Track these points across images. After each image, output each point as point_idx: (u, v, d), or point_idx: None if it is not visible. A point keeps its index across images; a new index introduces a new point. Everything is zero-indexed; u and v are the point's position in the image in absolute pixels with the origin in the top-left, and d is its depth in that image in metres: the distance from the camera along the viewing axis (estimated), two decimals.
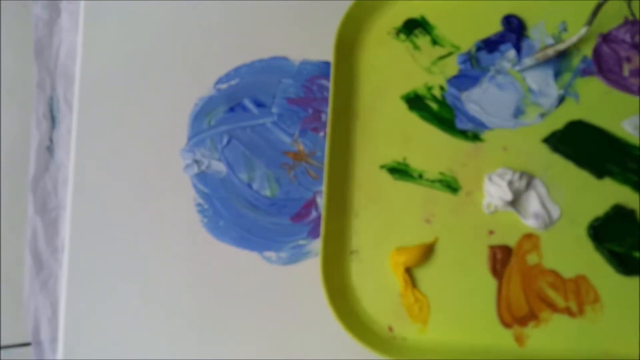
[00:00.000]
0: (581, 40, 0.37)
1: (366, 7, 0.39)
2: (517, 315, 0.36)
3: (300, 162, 0.42)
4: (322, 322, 0.39)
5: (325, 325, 0.39)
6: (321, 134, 0.42)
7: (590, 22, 0.35)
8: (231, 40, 0.44)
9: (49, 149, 0.56)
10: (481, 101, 0.38)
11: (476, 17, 0.39)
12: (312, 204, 0.41)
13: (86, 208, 0.42)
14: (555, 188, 0.37)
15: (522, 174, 0.37)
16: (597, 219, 0.36)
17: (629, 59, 0.37)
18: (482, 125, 0.38)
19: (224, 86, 0.43)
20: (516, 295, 0.36)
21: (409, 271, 0.37)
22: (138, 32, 0.45)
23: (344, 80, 0.39)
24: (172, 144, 0.43)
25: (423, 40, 0.39)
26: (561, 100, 0.38)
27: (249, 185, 0.42)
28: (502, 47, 0.39)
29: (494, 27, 0.39)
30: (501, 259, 0.36)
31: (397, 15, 0.40)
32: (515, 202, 0.37)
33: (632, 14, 0.36)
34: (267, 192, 0.42)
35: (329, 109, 0.38)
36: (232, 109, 0.43)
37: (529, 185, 0.37)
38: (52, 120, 0.56)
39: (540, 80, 0.38)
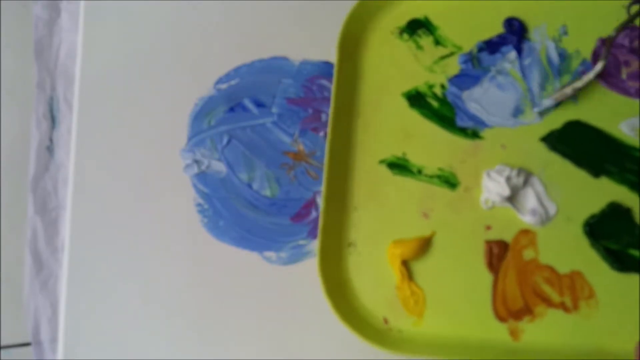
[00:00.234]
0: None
1: (370, 7, 0.40)
2: (512, 310, 0.36)
3: (300, 162, 0.42)
4: (322, 322, 0.39)
5: (325, 325, 0.39)
6: (321, 133, 0.42)
7: (606, 57, 0.36)
8: (231, 40, 0.44)
9: (49, 149, 0.56)
10: (481, 100, 0.39)
11: (478, 18, 0.40)
12: (312, 204, 0.41)
13: (86, 208, 0.42)
14: (553, 186, 0.37)
15: (520, 170, 0.37)
16: (593, 217, 0.37)
17: (627, 63, 0.38)
18: (482, 124, 0.39)
19: (224, 86, 0.43)
20: (512, 289, 0.37)
21: (405, 264, 0.37)
22: (138, 32, 0.45)
23: (346, 77, 0.40)
24: (172, 144, 0.43)
25: (426, 40, 0.40)
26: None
27: (249, 185, 0.42)
28: (504, 49, 0.39)
29: (496, 28, 0.40)
30: (497, 253, 0.37)
31: (400, 15, 0.40)
32: (512, 198, 0.37)
33: (632, 20, 0.37)
34: (267, 192, 0.42)
35: (331, 104, 0.38)
36: (232, 109, 0.43)
37: (526, 182, 0.37)
38: (52, 120, 0.56)
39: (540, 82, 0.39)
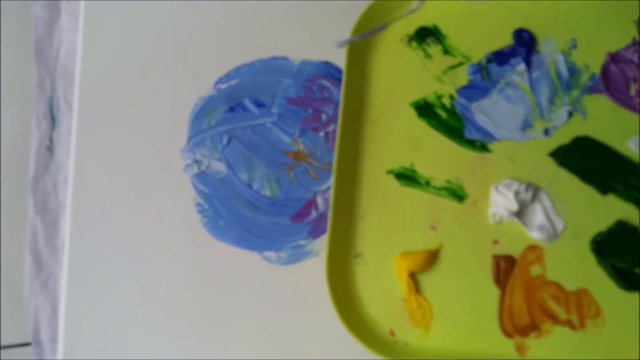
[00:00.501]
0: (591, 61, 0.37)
1: (380, 13, 0.40)
2: (518, 325, 0.36)
3: (300, 162, 0.42)
4: (322, 322, 0.39)
5: (325, 325, 0.39)
6: (321, 133, 0.42)
7: None
8: (231, 40, 0.44)
9: (49, 149, 0.56)
10: (490, 112, 0.39)
11: (488, 29, 0.40)
12: (312, 204, 0.41)
13: (86, 208, 0.42)
14: (560, 201, 0.37)
15: (528, 185, 0.37)
16: (600, 234, 0.37)
17: (635, 79, 0.38)
18: (490, 136, 0.39)
19: (224, 86, 0.43)
20: (518, 305, 0.36)
21: (412, 276, 0.37)
22: (138, 32, 0.45)
23: (355, 85, 0.39)
24: (172, 144, 0.43)
25: (434, 49, 0.40)
26: (569, 115, 0.38)
27: (249, 185, 0.42)
28: (513, 61, 0.39)
29: (505, 40, 0.39)
30: (505, 268, 0.37)
31: (409, 22, 0.40)
32: (520, 213, 0.37)
33: None
34: (267, 192, 0.42)
35: (340, 112, 0.38)
36: (232, 109, 0.43)
37: (534, 197, 0.37)
38: (52, 120, 0.56)
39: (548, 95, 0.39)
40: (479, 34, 0.40)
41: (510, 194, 0.36)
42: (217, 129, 0.43)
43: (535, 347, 0.36)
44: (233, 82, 0.43)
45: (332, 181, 0.38)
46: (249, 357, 0.39)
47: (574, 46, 0.39)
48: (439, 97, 0.39)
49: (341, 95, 0.38)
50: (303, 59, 0.43)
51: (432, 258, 0.37)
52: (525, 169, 0.38)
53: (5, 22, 0.60)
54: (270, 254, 0.41)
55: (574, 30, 0.39)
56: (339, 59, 0.43)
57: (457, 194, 0.38)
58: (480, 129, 0.39)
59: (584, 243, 0.37)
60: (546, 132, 0.38)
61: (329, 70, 0.43)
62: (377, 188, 0.39)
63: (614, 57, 0.38)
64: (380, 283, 0.38)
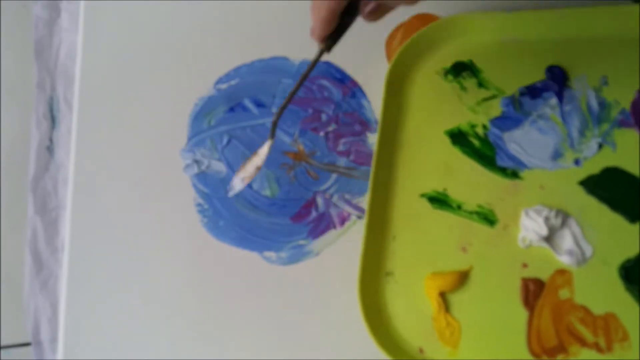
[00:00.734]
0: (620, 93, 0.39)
1: (418, 48, 0.41)
2: (546, 347, 0.37)
3: (300, 162, 0.42)
4: (321, 322, 0.39)
5: (324, 325, 0.39)
6: (321, 133, 0.42)
7: (272, 136, 0.37)
8: (231, 40, 0.44)
9: (49, 149, 0.56)
10: (522, 142, 0.40)
11: (521, 64, 0.41)
12: (312, 204, 0.41)
13: (86, 208, 0.42)
14: (589, 228, 0.38)
15: (558, 211, 0.38)
16: (628, 261, 0.37)
17: None
18: (522, 164, 0.40)
19: (224, 86, 0.43)
20: (546, 327, 0.37)
21: (442, 295, 0.38)
22: (138, 32, 0.45)
23: (392, 112, 0.41)
24: (172, 144, 0.43)
25: (469, 82, 0.41)
26: (599, 147, 0.39)
27: (249, 185, 0.42)
28: (545, 95, 0.40)
29: (538, 75, 0.41)
30: (533, 290, 0.37)
31: (446, 57, 0.42)
32: (549, 238, 0.38)
33: None
34: (267, 192, 0.42)
35: (377, 137, 0.39)
36: (232, 109, 0.43)
37: (564, 223, 0.38)
38: (52, 120, 0.56)
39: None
40: (513, 69, 0.41)
41: (541, 219, 0.37)
42: (217, 129, 0.43)
43: None
44: (233, 82, 0.43)
45: (367, 202, 0.39)
46: (249, 357, 0.39)
47: (605, 83, 0.40)
48: (473, 126, 0.41)
49: (379, 121, 0.40)
50: (303, 59, 0.43)
51: (462, 279, 0.38)
52: (555, 196, 0.39)
53: (5, 22, 0.60)
54: (270, 254, 0.41)
55: (605, 68, 0.40)
56: (339, 59, 0.43)
57: (488, 219, 0.39)
58: (512, 157, 0.40)
59: (613, 269, 0.37)
60: (576, 162, 0.39)
61: (329, 70, 0.43)
62: (410, 210, 0.40)
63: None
64: (410, 301, 0.38)
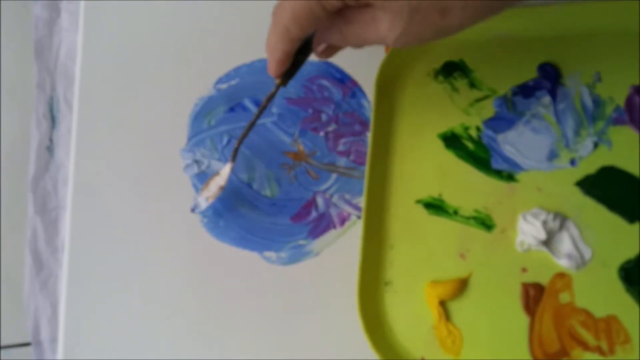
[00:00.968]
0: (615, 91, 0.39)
1: (407, 49, 0.40)
2: (549, 352, 0.37)
3: (300, 162, 0.42)
4: (321, 322, 0.39)
5: (324, 325, 0.39)
6: (321, 133, 0.42)
7: (234, 157, 0.40)
8: (231, 40, 0.44)
9: (49, 149, 0.56)
10: (516, 143, 0.39)
11: (513, 63, 0.40)
12: (312, 204, 0.41)
13: (86, 208, 0.42)
14: (588, 230, 0.38)
15: (556, 214, 0.38)
16: (628, 262, 0.37)
17: None
18: (517, 166, 0.39)
19: (224, 86, 0.43)
20: (548, 332, 0.37)
21: (442, 304, 0.38)
22: (138, 32, 0.45)
23: (384, 118, 0.40)
24: (172, 144, 0.43)
25: (461, 83, 0.41)
26: (594, 146, 0.39)
27: (249, 185, 0.42)
28: (538, 93, 0.40)
29: (531, 73, 0.40)
30: (534, 296, 0.37)
31: (437, 57, 0.41)
32: (548, 242, 0.38)
33: None
34: (267, 192, 0.42)
35: (369, 143, 0.39)
36: (232, 109, 0.43)
37: (562, 226, 0.38)
38: (52, 120, 0.56)
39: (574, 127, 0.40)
40: (505, 68, 0.41)
41: (538, 223, 0.37)
42: (217, 129, 0.43)
43: None
44: (233, 82, 0.43)
45: (363, 210, 0.38)
46: (248, 357, 0.39)
47: (599, 79, 0.40)
48: (466, 128, 0.40)
49: (370, 127, 0.39)
50: None
51: (461, 286, 0.38)
52: (553, 198, 0.39)
53: (5, 22, 0.60)
54: (270, 254, 0.41)
55: (598, 64, 0.40)
56: (339, 59, 0.43)
57: (486, 223, 0.39)
58: (507, 159, 0.39)
59: (612, 271, 0.37)
60: (572, 162, 0.39)
61: (329, 70, 0.43)
62: (406, 217, 0.39)
63: (638, 90, 0.39)
64: (411, 310, 0.38)
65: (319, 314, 0.39)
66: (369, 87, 0.43)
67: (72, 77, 0.50)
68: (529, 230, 0.37)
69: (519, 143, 0.39)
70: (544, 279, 0.38)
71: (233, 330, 0.40)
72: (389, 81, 0.41)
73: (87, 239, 0.42)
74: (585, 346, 0.37)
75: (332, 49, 0.36)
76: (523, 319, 0.37)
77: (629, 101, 0.39)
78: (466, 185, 0.39)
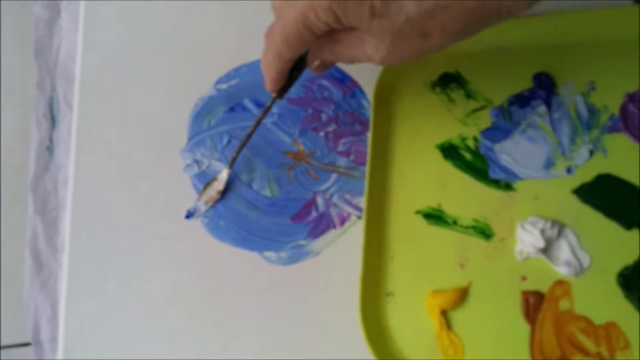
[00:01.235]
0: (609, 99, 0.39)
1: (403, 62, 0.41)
2: (549, 359, 0.37)
3: (300, 162, 0.42)
4: (321, 322, 0.39)
5: (324, 325, 0.39)
6: (321, 133, 0.42)
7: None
8: (231, 40, 0.44)
9: (49, 149, 0.56)
10: (513, 153, 0.40)
11: (508, 73, 0.41)
12: (312, 204, 0.41)
13: (86, 208, 0.42)
14: (586, 237, 0.38)
15: (554, 222, 0.38)
16: (626, 268, 0.37)
17: None
18: (514, 176, 0.40)
19: (224, 86, 0.43)
20: (549, 339, 0.37)
21: (444, 313, 0.38)
22: (138, 32, 0.45)
23: (381, 130, 0.41)
24: (172, 144, 0.43)
25: (457, 94, 0.41)
26: (590, 154, 0.39)
27: (249, 185, 0.42)
28: (533, 103, 0.40)
29: (526, 83, 0.41)
30: (534, 303, 0.38)
31: (433, 69, 0.42)
32: (547, 250, 0.38)
33: None
34: (267, 192, 0.42)
35: (368, 157, 0.39)
36: (232, 109, 0.43)
37: (560, 234, 0.38)
38: (52, 120, 0.56)
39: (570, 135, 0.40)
40: (500, 79, 0.41)
41: (537, 231, 0.37)
42: (217, 129, 0.43)
43: None
44: (233, 82, 0.43)
45: (363, 221, 0.39)
46: (248, 356, 0.39)
47: (593, 88, 0.40)
48: (464, 139, 0.40)
49: (369, 139, 0.40)
50: None
51: (462, 295, 0.38)
52: (550, 206, 0.39)
53: (5, 22, 0.60)
54: (270, 254, 0.41)
55: (592, 73, 0.40)
56: None
57: (484, 232, 0.39)
58: (504, 169, 0.40)
59: (611, 277, 0.38)
60: (569, 170, 0.39)
61: (329, 70, 0.43)
62: (406, 228, 0.40)
63: (632, 98, 0.39)
64: (412, 320, 0.38)
65: (319, 314, 0.39)
66: (369, 87, 0.43)
67: (72, 77, 0.50)
68: (527, 239, 0.38)
69: (516, 152, 0.40)
70: (544, 287, 0.38)
71: (233, 330, 0.40)
72: (387, 94, 0.41)
73: (87, 239, 0.42)
74: (585, 353, 0.37)
75: (325, 65, 0.37)
76: (523, 327, 0.37)
77: (623, 109, 0.39)
78: (465, 195, 0.40)
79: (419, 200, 0.40)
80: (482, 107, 0.41)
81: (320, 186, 0.42)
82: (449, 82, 0.41)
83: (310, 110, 0.43)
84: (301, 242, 0.41)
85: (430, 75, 0.42)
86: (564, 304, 0.37)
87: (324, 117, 0.42)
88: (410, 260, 0.39)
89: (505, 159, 0.40)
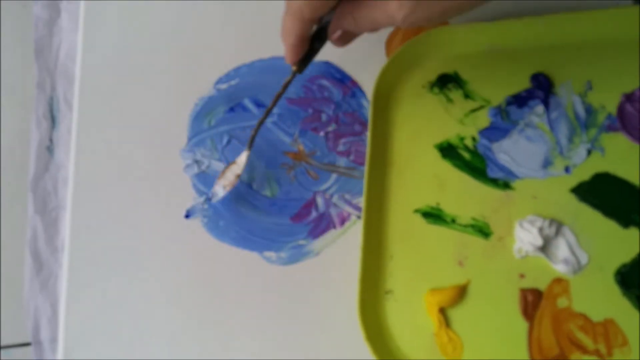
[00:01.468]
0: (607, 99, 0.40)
1: (402, 62, 0.41)
2: (548, 357, 0.37)
3: (300, 162, 0.42)
4: (321, 322, 0.39)
5: (324, 325, 0.39)
6: (321, 133, 0.42)
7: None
8: (231, 40, 0.44)
9: (49, 149, 0.56)
10: (511, 152, 0.40)
11: (506, 73, 0.41)
12: (312, 204, 0.41)
13: (86, 208, 0.42)
14: (584, 235, 0.38)
15: (552, 221, 0.38)
16: (624, 266, 0.38)
17: None
18: (512, 175, 0.40)
19: (224, 86, 0.43)
20: (547, 336, 0.37)
21: (442, 311, 0.38)
22: (138, 32, 0.45)
23: (380, 130, 0.41)
24: (172, 144, 0.43)
25: (456, 94, 0.41)
26: (588, 153, 0.39)
27: (249, 185, 0.42)
28: (531, 103, 0.40)
29: (524, 84, 0.41)
30: (532, 301, 0.38)
31: (431, 70, 0.42)
32: (545, 248, 0.38)
33: None
34: (267, 192, 0.42)
35: (367, 155, 0.39)
36: (232, 109, 0.43)
37: (558, 232, 0.38)
38: (52, 120, 0.56)
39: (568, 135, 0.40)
40: (498, 79, 0.41)
41: (535, 230, 0.37)
42: (217, 129, 0.43)
43: None
44: (233, 82, 0.43)
45: (362, 220, 0.39)
46: (248, 356, 0.39)
47: (590, 88, 0.40)
48: (462, 138, 0.41)
49: (367, 139, 0.40)
50: None
51: (461, 293, 0.38)
52: (548, 205, 0.39)
53: (5, 22, 0.60)
54: (270, 254, 0.41)
55: (589, 73, 0.40)
56: (339, 59, 0.43)
57: (483, 231, 0.39)
58: (503, 168, 0.40)
59: (609, 275, 0.38)
60: (566, 169, 0.39)
61: (329, 70, 0.43)
62: (405, 227, 0.40)
63: (629, 97, 0.39)
64: (411, 318, 0.39)
65: (318, 314, 0.39)
66: (369, 87, 0.43)
67: (72, 77, 0.50)
68: (525, 237, 0.38)
69: (514, 152, 0.40)
70: (542, 285, 0.38)
71: (233, 330, 0.40)
72: (385, 94, 0.41)
73: (87, 239, 0.42)
74: (584, 350, 0.37)
75: (347, 36, 0.36)
76: (522, 324, 0.37)
77: (621, 109, 0.40)
78: (463, 194, 0.40)
79: (417, 199, 0.40)
80: (480, 107, 0.41)
81: (320, 186, 0.42)
82: (447, 82, 0.41)
83: (310, 110, 0.43)
84: (301, 242, 0.41)
85: (429, 76, 0.42)
86: (562, 302, 0.38)
87: (324, 117, 0.42)
88: (409, 259, 0.39)
89: (503, 158, 0.40)
